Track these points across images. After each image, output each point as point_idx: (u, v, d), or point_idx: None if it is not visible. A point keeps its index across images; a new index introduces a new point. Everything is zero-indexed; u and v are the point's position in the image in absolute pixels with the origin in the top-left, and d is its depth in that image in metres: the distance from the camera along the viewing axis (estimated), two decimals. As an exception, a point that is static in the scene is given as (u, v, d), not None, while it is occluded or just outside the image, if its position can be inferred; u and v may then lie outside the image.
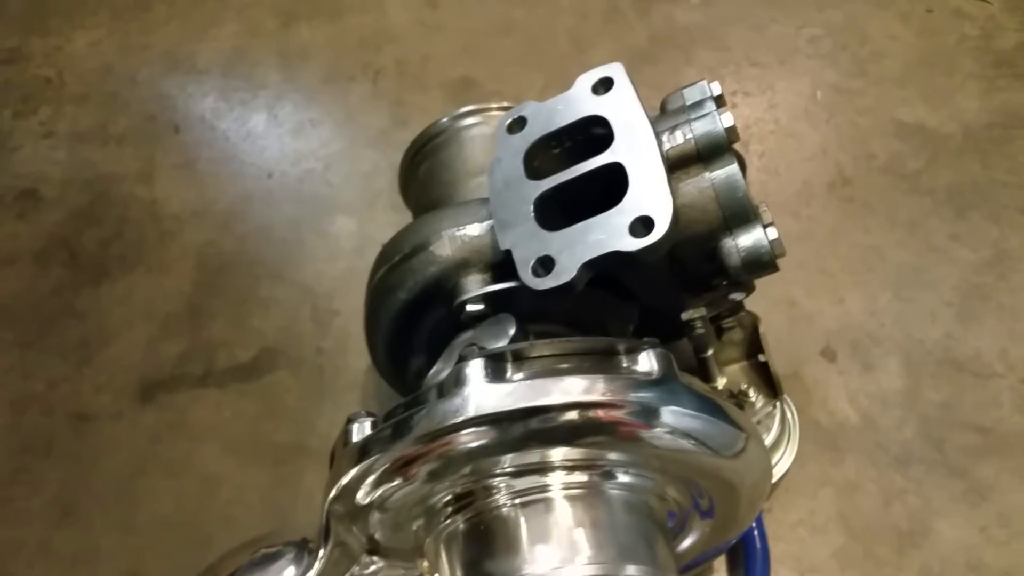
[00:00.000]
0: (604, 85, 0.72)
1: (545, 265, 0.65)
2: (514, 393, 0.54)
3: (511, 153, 0.73)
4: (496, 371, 0.56)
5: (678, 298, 0.77)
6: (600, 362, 0.60)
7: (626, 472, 0.60)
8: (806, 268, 1.18)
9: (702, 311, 0.78)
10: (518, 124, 0.74)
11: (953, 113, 1.29)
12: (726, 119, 0.68)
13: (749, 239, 0.68)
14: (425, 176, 1.04)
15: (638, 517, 0.60)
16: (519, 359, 0.58)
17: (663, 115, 0.74)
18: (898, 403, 1.09)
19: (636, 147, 0.66)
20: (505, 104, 1.01)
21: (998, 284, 1.15)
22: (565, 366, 0.58)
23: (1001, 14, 1.36)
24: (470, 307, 0.73)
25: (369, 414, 0.63)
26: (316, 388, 1.16)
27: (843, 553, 1.00)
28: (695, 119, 0.69)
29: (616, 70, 0.72)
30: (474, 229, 0.76)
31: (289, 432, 1.13)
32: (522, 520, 0.59)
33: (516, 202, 0.69)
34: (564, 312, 0.75)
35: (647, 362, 0.59)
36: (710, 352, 0.86)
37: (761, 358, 0.94)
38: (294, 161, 1.35)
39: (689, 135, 0.68)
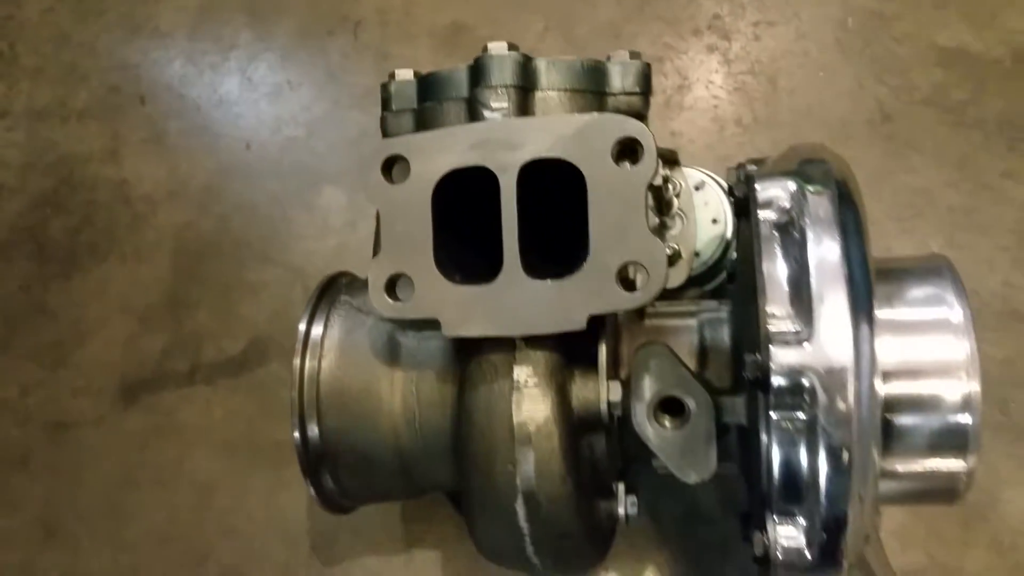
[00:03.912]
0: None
1: (625, 279, 0.64)
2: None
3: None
4: None
5: None
6: None
7: None
8: (847, 216, 1.07)
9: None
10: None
11: (1000, 35, 1.16)
12: None
13: (618, 75, 0.73)
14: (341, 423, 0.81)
15: None
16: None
17: None
18: (956, 362, 0.99)
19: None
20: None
21: (1059, 224, 1.06)
22: None
23: (1048, -82, 1.23)
24: (613, 397, 0.68)
25: None
26: (314, 379, 1.07)
27: (904, 533, 0.96)
28: None
29: None
30: (539, 357, 0.68)
31: (289, 429, 1.03)
32: None
33: (518, 293, 0.66)
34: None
35: None
36: None
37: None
38: (273, 129, 1.23)
39: None
